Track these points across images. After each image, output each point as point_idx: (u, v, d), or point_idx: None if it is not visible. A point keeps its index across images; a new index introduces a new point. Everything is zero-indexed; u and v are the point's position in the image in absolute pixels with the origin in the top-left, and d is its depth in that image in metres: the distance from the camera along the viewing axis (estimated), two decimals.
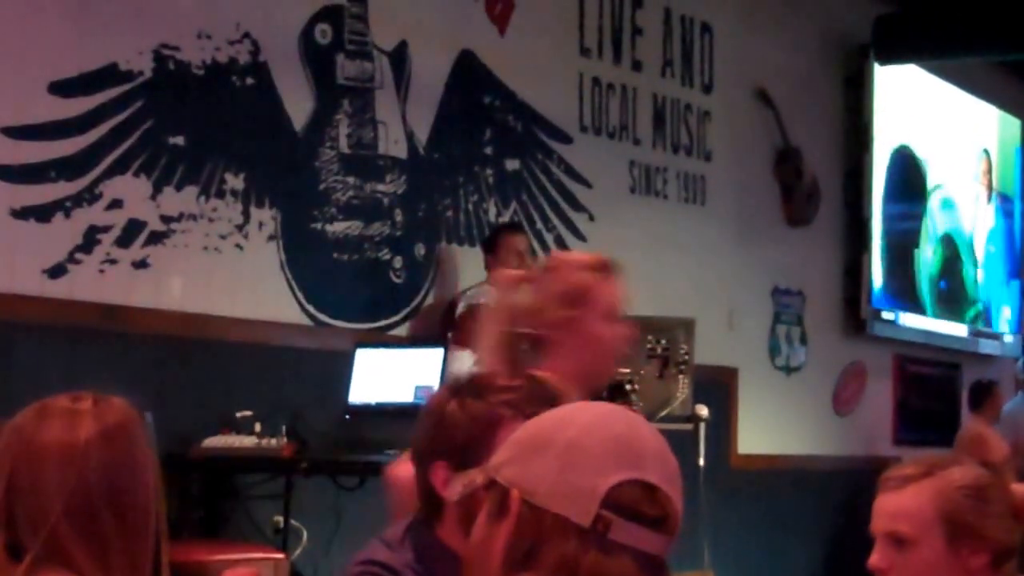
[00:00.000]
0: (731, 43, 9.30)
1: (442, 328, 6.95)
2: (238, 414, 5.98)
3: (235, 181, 6.37)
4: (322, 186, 6.75)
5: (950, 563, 2.69)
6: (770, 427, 9.60)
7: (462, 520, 2.57)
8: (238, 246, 6.39)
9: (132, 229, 5.98)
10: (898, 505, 2.73)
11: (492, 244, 7.06)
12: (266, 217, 6.50)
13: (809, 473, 9.86)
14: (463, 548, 2.53)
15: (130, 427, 2.35)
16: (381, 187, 7.02)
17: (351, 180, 6.87)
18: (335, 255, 6.80)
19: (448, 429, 2.64)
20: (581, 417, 1.72)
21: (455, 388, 2.72)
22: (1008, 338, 12.29)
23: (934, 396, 11.53)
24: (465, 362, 6.74)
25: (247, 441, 5.85)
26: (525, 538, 1.65)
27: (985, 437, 10.12)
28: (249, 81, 6.47)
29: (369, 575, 2.67)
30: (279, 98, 6.58)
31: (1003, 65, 12.24)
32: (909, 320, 10.81)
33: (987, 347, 11.94)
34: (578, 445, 1.66)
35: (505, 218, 7.61)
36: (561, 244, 7.92)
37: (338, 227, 6.81)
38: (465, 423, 2.64)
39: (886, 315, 10.52)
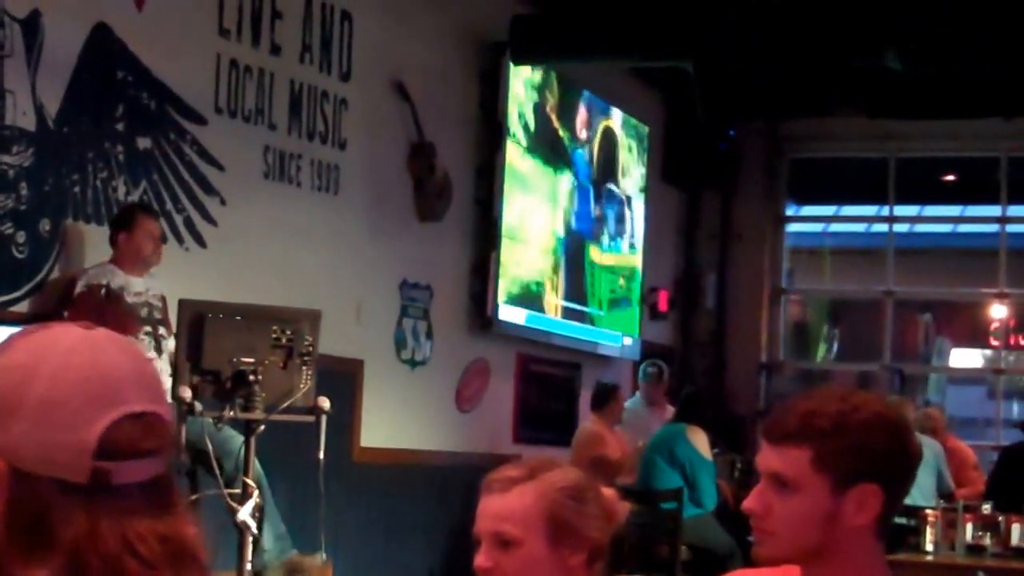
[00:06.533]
0: (371, 33, 9.28)
1: (58, 305, 6.73)
2: None
3: None
4: None
5: (551, 562, 2.83)
6: (394, 421, 9.62)
7: None
8: None
9: None
10: (503, 507, 2.85)
11: (125, 223, 6.88)
12: None
13: (430, 468, 9.93)
14: None
15: None
16: (7, 159, 6.75)
17: None
18: None
19: None
20: (43, 366, 1.54)
21: None
22: (628, 340, 12.63)
23: (554, 395, 11.78)
24: None
25: None
26: (25, 510, 1.51)
27: (603, 436, 10.40)
28: None
29: None
30: None
31: (634, 72, 12.67)
32: (533, 320, 11.02)
33: (606, 349, 12.27)
34: (51, 400, 1.52)
35: (135, 197, 7.42)
36: (191, 227, 7.79)
37: None
38: None
39: (510, 315, 10.68)
